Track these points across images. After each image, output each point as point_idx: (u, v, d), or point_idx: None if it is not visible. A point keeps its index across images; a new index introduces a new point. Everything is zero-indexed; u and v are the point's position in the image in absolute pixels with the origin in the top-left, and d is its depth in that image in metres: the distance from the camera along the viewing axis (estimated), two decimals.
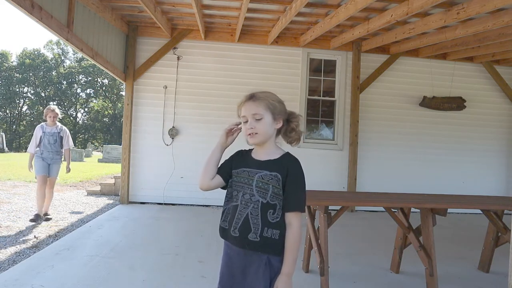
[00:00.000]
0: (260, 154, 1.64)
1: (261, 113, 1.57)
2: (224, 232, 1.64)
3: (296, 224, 1.54)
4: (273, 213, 1.54)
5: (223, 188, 1.69)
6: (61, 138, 5.64)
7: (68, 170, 5.84)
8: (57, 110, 5.72)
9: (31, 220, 5.34)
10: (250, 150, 1.70)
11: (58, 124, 5.69)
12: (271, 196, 1.54)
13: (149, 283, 3.21)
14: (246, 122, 1.60)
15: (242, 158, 1.67)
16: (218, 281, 1.68)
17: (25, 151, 32.76)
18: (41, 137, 5.51)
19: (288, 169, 1.56)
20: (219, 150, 1.69)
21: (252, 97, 1.60)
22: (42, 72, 43.64)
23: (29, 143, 5.72)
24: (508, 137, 7.75)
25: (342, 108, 7.25)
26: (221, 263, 1.69)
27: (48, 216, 5.62)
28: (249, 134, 1.59)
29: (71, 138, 5.86)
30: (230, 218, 1.61)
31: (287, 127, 1.64)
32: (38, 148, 5.50)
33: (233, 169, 1.64)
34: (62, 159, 5.78)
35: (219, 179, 1.65)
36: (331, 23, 5.65)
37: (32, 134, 5.77)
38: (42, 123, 5.65)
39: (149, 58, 6.94)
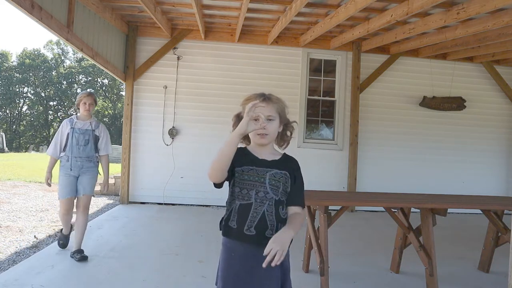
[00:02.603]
0: (264, 154, 1.67)
1: (274, 115, 1.64)
2: (232, 232, 1.61)
3: (303, 214, 1.67)
4: (283, 209, 1.64)
5: (219, 186, 1.63)
6: (96, 138, 3.86)
7: (105, 188, 4.04)
8: (95, 97, 3.99)
9: (60, 245, 3.97)
10: (244, 148, 1.70)
11: (94, 118, 3.97)
12: (281, 193, 1.63)
13: (149, 283, 3.21)
14: (255, 120, 1.61)
15: (243, 155, 1.65)
16: (221, 285, 1.63)
17: (25, 151, 32.59)
18: (68, 135, 3.75)
19: (294, 169, 1.68)
20: (239, 139, 1.53)
21: (266, 98, 1.64)
22: (42, 72, 43.59)
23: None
24: (508, 137, 7.74)
25: (342, 108, 7.25)
26: (221, 267, 1.66)
27: (84, 254, 3.68)
28: (260, 134, 1.62)
29: (110, 141, 4.05)
30: (240, 217, 1.60)
31: (283, 131, 1.72)
32: (63, 153, 3.75)
33: (236, 167, 1.62)
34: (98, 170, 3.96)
35: (225, 173, 1.59)
36: (331, 23, 5.65)
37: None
38: (71, 116, 3.93)
39: (149, 58, 6.94)
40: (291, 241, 1.50)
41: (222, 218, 1.67)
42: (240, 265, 1.60)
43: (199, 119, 6.99)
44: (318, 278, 3.08)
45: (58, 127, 3.96)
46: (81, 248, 3.73)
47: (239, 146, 1.70)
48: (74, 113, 3.96)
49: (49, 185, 3.83)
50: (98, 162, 3.93)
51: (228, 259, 1.63)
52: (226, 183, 1.68)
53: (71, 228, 4.06)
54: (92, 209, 6.64)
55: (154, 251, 4.09)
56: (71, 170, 3.72)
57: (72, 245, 3.85)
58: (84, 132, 3.79)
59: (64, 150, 3.77)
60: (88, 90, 4.01)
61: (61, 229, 4.04)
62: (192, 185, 6.80)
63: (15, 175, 11.35)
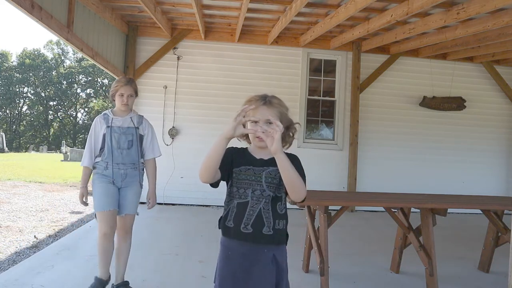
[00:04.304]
0: (262, 154, 1.69)
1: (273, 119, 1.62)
2: (230, 231, 1.64)
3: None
4: (281, 205, 1.66)
5: (214, 185, 1.66)
6: (141, 137, 3.02)
7: (151, 203, 3.14)
8: (135, 86, 3.05)
9: None
10: (245, 149, 1.72)
11: (134, 111, 3.08)
12: (278, 188, 1.64)
13: (149, 283, 3.21)
14: (254, 123, 1.63)
15: (242, 156, 1.68)
16: (218, 284, 1.66)
17: (25, 151, 32.52)
18: (104, 136, 2.91)
19: (291, 161, 1.64)
20: (226, 142, 1.55)
21: (266, 102, 1.64)
22: (42, 72, 43.60)
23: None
24: (508, 137, 7.74)
25: (342, 108, 7.25)
26: (219, 266, 1.68)
27: (130, 286, 3.02)
28: (259, 138, 1.62)
29: (157, 141, 3.15)
30: (237, 216, 1.63)
31: (286, 133, 1.71)
32: (99, 159, 2.92)
33: (234, 167, 1.66)
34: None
35: (218, 174, 1.62)
36: (331, 23, 5.65)
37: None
38: (105, 111, 3.04)
39: (149, 58, 6.94)
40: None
41: (221, 217, 1.70)
42: (237, 264, 1.62)
43: (199, 119, 6.99)
44: (318, 278, 3.08)
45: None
46: (125, 280, 3.00)
47: (240, 146, 1.72)
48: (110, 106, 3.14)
49: (86, 204, 2.97)
50: (143, 169, 3.07)
51: (225, 258, 1.66)
52: (223, 183, 1.70)
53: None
54: (92, 209, 6.63)
55: (154, 251, 4.09)
56: (108, 180, 2.91)
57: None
58: (125, 131, 2.93)
59: (99, 155, 2.92)
60: (126, 77, 3.09)
61: (97, 277, 2.91)
62: (192, 185, 6.79)
63: (15, 175, 11.35)
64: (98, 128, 2.94)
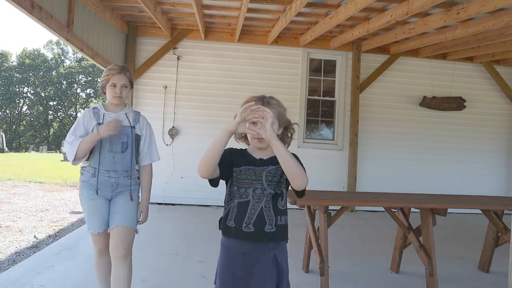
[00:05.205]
0: (262, 154, 1.70)
1: (272, 120, 1.63)
2: (231, 230, 1.64)
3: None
4: (282, 200, 1.67)
5: (214, 184, 1.66)
6: (137, 139, 2.52)
7: (142, 217, 2.63)
8: (130, 75, 2.50)
9: None
10: (244, 150, 1.74)
11: (129, 106, 2.60)
12: (279, 185, 1.66)
13: (149, 283, 3.21)
14: (253, 124, 1.63)
15: (242, 156, 1.69)
16: (218, 284, 1.66)
17: (25, 151, 32.52)
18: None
19: None
20: (228, 137, 1.56)
21: (264, 102, 1.65)
22: (42, 72, 43.61)
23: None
24: (508, 137, 7.74)
25: (342, 108, 7.25)
26: (219, 266, 1.69)
27: None
28: (258, 138, 1.63)
29: (155, 143, 2.65)
30: (238, 215, 1.63)
31: (284, 133, 1.73)
32: (86, 163, 2.44)
33: (235, 167, 1.67)
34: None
35: (217, 171, 1.61)
36: (331, 23, 5.65)
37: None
38: (95, 105, 2.53)
39: (149, 58, 6.94)
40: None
41: (221, 217, 1.70)
42: (238, 264, 1.63)
43: (199, 119, 6.99)
44: (318, 278, 3.09)
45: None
46: None
47: (240, 147, 1.73)
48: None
49: (119, 128, 2.36)
50: (139, 178, 2.59)
51: (225, 258, 1.66)
52: (222, 182, 1.71)
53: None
54: None
55: (154, 251, 4.10)
56: (98, 191, 2.40)
57: None
58: (119, 131, 2.39)
59: (87, 158, 2.40)
60: (120, 64, 2.51)
61: None
62: (192, 185, 6.79)
63: (15, 175, 11.35)
64: (86, 122, 2.40)
